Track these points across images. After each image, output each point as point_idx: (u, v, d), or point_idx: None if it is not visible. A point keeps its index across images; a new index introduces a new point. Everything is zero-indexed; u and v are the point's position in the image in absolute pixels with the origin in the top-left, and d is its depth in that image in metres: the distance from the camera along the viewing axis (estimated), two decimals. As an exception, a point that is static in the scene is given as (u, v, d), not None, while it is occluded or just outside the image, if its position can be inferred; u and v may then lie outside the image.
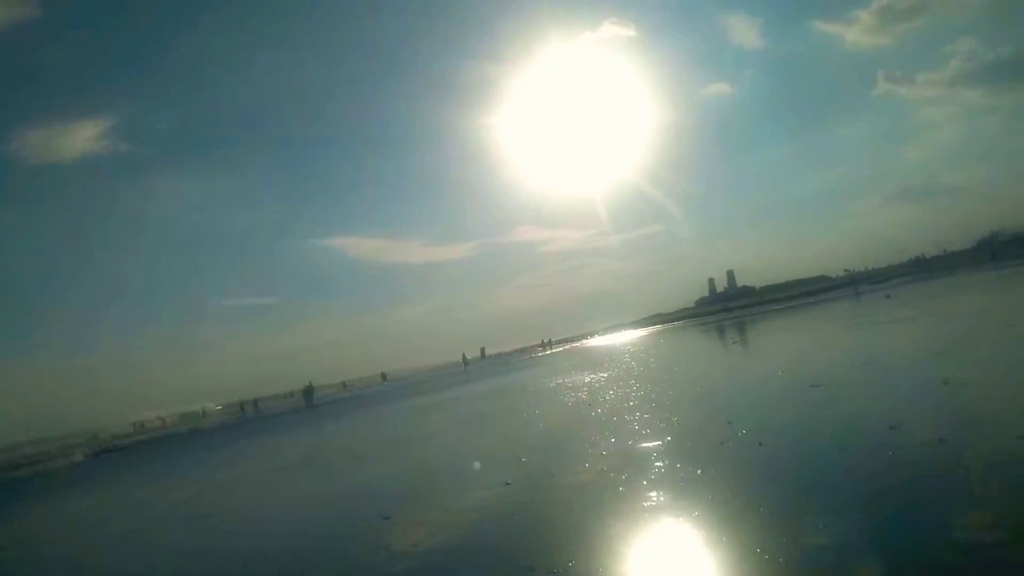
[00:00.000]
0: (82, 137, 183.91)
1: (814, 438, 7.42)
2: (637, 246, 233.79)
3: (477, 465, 9.54)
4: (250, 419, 49.53)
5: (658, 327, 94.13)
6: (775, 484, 5.89)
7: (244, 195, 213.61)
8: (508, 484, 7.83)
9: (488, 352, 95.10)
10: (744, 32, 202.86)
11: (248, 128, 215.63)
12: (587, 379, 20.82)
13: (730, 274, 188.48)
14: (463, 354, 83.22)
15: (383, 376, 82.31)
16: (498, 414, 16.74)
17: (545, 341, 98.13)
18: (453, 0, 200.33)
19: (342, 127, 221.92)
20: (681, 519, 5.38)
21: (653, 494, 6.25)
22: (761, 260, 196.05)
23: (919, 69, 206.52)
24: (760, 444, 7.34)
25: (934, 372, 9.54)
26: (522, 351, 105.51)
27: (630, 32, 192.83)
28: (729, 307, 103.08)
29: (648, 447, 8.30)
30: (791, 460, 6.69)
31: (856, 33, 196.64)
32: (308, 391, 56.42)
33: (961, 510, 4.38)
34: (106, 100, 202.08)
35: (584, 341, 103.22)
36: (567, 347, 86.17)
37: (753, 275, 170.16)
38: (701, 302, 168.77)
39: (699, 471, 6.73)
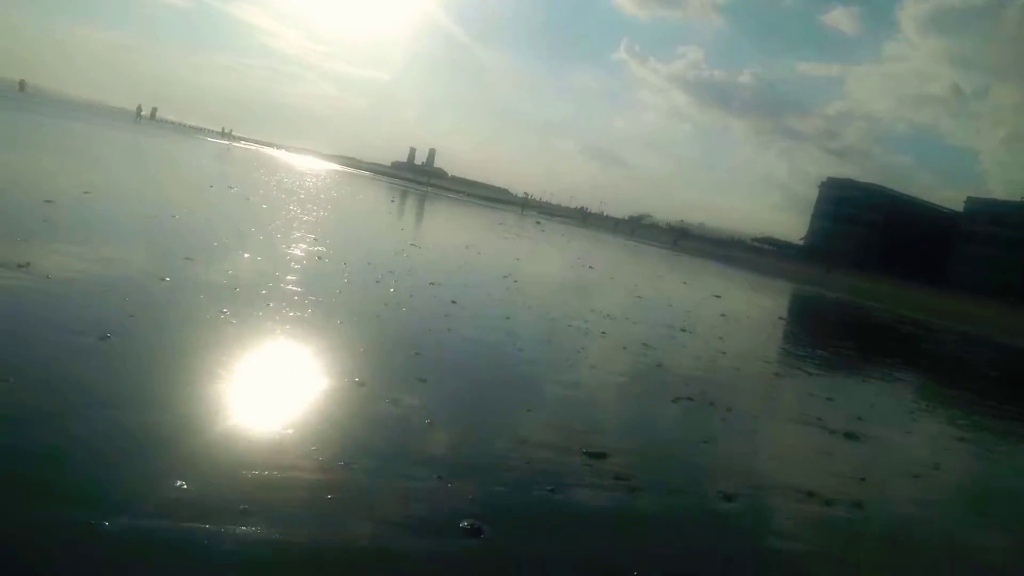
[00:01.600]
0: None
1: (375, 268, 8.86)
2: (359, 84, 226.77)
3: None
4: None
5: (348, 171, 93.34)
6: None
7: None
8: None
9: (161, 116, 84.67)
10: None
11: None
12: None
13: (432, 152, 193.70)
14: (139, 105, 72.77)
15: (21, 84, 67.63)
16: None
17: (225, 130, 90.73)
18: None
19: None
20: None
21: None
22: (462, 151, 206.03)
23: (653, 54, 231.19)
24: (344, 263, 8.52)
25: (508, 268, 11.86)
26: (199, 129, 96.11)
27: None
28: (419, 180, 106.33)
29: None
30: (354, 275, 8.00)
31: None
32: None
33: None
34: None
35: (269, 149, 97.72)
36: (252, 148, 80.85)
37: (451, 162, 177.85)
38: (397, 165, 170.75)
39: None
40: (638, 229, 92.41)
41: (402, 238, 13.50)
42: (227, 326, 4.69)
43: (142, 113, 72.45)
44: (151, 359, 3.83)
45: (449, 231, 19.99)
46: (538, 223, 39.27)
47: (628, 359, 6.98)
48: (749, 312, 15.80)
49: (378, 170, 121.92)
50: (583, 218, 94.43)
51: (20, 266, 4.86)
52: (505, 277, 10.52)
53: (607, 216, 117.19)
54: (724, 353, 8.42)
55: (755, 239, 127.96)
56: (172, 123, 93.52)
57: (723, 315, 12.59)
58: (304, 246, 9.14)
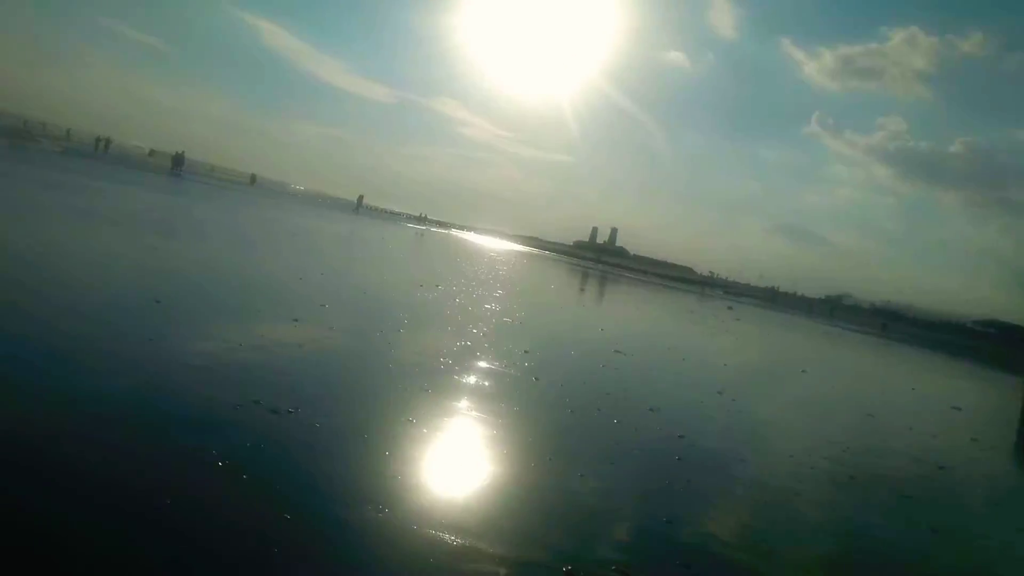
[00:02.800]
0: None
1: (585, 387, 7.98)
2: (543, 167, 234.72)
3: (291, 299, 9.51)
4: (106, 160, 45.73)
5: (532, 250, 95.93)
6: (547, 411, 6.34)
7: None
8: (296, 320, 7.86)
9: (367, 203, 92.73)
10: (722, 17, 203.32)
11: None
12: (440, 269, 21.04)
13: (613, 231, 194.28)
14: (360, 196, 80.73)
15: (252, 178, 77.90)
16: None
17: (422, 215, 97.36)
18: None
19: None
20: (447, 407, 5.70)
21: (425, 382, 6.57)
22: (645, 229, 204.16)
23: (848, 127, 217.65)
24: (536, 379, 7.79)
25: (719, 378, 10.54)
26: (398, 214, 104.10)
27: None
28: (603, 260, 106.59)
29: (450, 343, 8.63)
30: (560, 397, 7.20)
31: (814, 68, 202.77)
32: (177, 158, 52.99)
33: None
34: None
35: (460, 231, 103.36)
36: (443, 230, 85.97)
37: (633, 240, 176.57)
38: (579, 245, 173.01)
39: (473, 377, 7.11)
40: (837, 310, 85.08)
41: (603, 339, 12.68)
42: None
43: (363, 203, 79.87)
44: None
45: (645, 325, 18.92)
46: (730, 308, 36.97)
47: (914, 540, 5.39)
48: (1010, 435, 13.00)
49: (560, 249, 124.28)
50: (772, 298, 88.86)
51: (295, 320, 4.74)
52: (720, 393, 9.27)
53: (800, 296, 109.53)
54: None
55: (977, 322, 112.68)
56: (379, 209, 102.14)
57: (974, 439, 10.30)
58: (510, 346, 8.65)
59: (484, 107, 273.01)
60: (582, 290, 26.78)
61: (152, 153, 79.86)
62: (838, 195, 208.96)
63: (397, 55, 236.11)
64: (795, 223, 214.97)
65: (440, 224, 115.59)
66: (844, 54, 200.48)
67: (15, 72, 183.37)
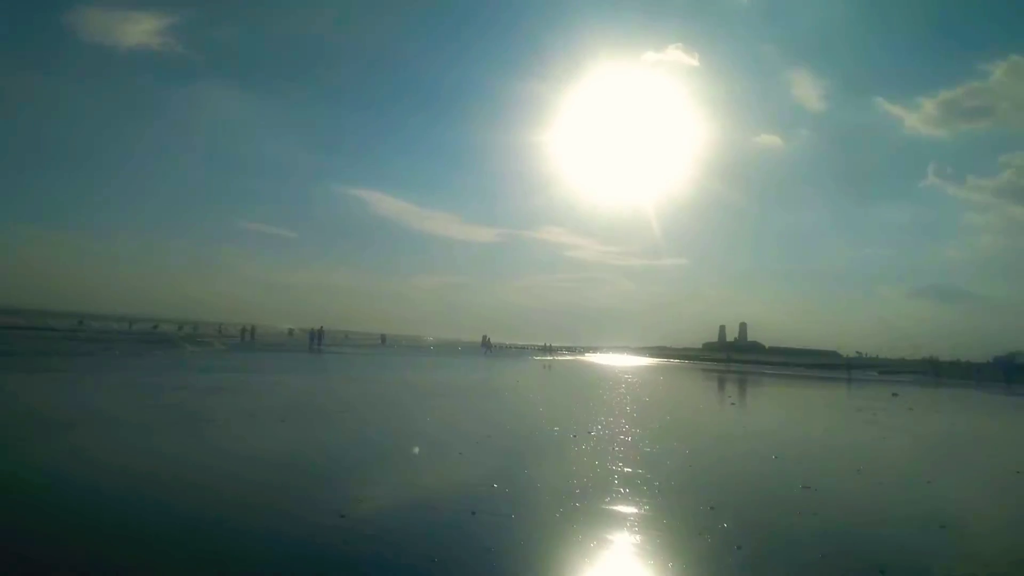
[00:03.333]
0: (141, 28, 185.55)
1: (789, 540, 6.88)
2: (658, 274, 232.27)
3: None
4: (251, 346, 49.63)
5: (661, 361, 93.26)
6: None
7: (286, 125, 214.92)
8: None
9: (492, 340, 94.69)
10: (807, 90, 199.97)
11: (306, 62, 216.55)
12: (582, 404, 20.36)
13: (742, 326, 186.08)
14: (486, 337, 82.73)
15: (383, 339, 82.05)
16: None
17: (547, 345, 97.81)
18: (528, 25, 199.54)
19: (401, 90, 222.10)
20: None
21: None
22: (776, 318, 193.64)
23: (970, 171, 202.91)
24: (738, 547, 6.82)
25: (932, 509, 8.98)
26: (524, 348, 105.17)
27: (693, 62, 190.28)
28: (735, 358, 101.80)
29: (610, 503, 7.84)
30: (773, 568, 6.18)
31: (916, 120, 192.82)
32: (318, 335, 56.91)
33: None
34: None
35: (586, 355, 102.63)
36: (569, 357, 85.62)
37: (765, 332, 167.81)
38: (708, 346, 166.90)
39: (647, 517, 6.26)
40: (1013, 372, 75.26)
41: (781, 470, 11.39)
42: None
43: (491, 345, 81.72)
44: None
45: (814, 441, 17.11)
46: (894, 395, 33.42)
47: None
48: None
49: (691, 355, 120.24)
50: (936, 372, 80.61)
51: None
52: (942, 527, 7.82)
53: (964, 363, 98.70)
54: None
55: None
56: (505, 346, 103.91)
57: None
58: (691, 500, 7.74)
59: (587, 227, 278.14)
60: (731, 403, 25.04)
61: (291, 332, 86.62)
62: (977, 245, 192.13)
63: (496, 196, 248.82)
64: (939, 282, 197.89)
65: (566, 349, 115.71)
66: (945, 99, 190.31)
67: (182, 282, 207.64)
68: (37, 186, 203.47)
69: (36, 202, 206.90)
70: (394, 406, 18.15)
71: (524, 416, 17.14)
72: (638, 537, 6.87)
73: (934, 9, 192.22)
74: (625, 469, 10.28)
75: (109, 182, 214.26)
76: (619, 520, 7.46)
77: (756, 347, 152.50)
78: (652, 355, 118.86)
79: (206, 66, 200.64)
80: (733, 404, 24.37)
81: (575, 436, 13.34)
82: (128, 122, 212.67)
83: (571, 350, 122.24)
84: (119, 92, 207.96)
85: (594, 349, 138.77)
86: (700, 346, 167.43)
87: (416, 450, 11.29)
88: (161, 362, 29.13)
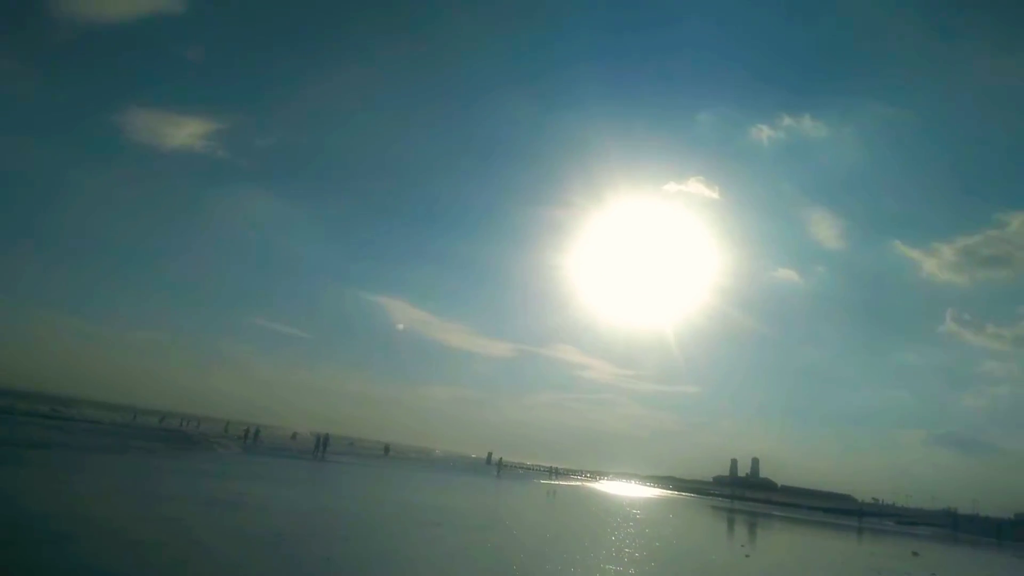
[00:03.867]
0: (187, 132, 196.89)
1: None
2: (670, 401, 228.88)
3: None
4: (255, 449, 48.80)
5: (669, 493, 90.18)
6: None
7: (315, 227, 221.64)
8: None
9: (498, 457, 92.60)
10: (825, 229, 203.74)
11: (341, 172, 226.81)
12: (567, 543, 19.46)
13: (755, 461, 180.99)
14: (496, 457, 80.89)
15: (386, 449, 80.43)
16: None
17: (553, 468, 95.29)
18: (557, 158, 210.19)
19: (430, 206, 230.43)
20: None
21: None
22: (789, 455, 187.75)
23: (990, 319, 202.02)
24: None
25: None
26: (530, 468, 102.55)
27: (714, 194, 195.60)
28: (746, 496, 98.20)
29: None
30: None
31: (934, 265, 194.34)
32: (323, 441, 56.24)
33: None
34: (221, 104, 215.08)
35: (593, 480, 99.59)
36: (574, 482, 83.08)
37: (777, 469, 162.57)
38: (719, 480, 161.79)
39: None
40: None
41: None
42: None
43: (502, 464, 80.00)
44: None
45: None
46: (915, 554, 31.69)
47: None
48: None
49: (700, 488, 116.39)
50: (954, 525, 77.30)
51: None
52: None
53: (984, 517, 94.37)
54: None
55: None
56: (511, 465, 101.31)
57: None
58: None
59: (601, 348, 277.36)
60: (745, 555, 23.84)
61: (294, 436, 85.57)
62: (998, 395, 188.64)
63: (513, 312, 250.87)
64: (959, 432, 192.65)
65: (573, 473, 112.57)
66: (963, 246, 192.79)
67: (187, 377, 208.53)
68: (66, 275, 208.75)
69: (63, 290, 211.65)
70: (387, 536, 17.54)
71: (522, 563, 16.41)
72: None
73: (951, 157, 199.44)
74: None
75: (133, 273, 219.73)
76: None
77: (768, 484, 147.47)
78: (660, 485, 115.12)
79: (245, 169, 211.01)
80: (748, 556, 23.19)
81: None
82: (165, 218, 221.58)
83: (578, 474, 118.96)
84: (159, 189, 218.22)
85: (601, 475, 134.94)
86: (710, 479, 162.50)
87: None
88: (174, 464, 28.67)
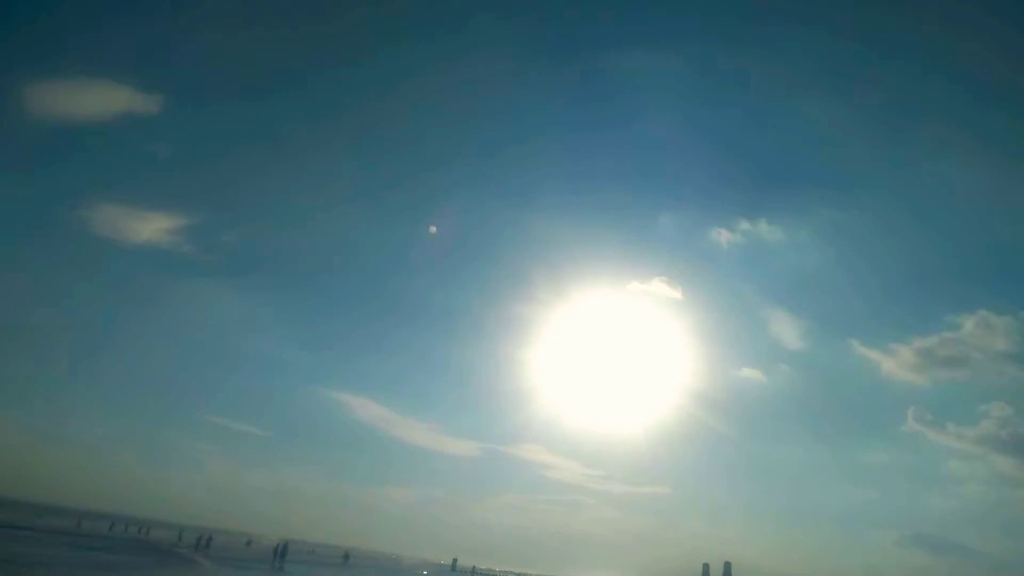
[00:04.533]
0: (153, 227, 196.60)
1: None
2: (640, 502, 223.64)
3: None
4: (211, 556, 46.72)
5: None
6: None
7: (279, 324, 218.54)
8: None
9: (460, 563, 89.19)
10: (785, 329, 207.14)
11: (303, 269, 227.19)
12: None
13: (727, 565, 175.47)
14: (462, 564, 78.23)
15: (346, 556, 77.09)
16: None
17: (523, 574, 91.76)
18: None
19: (391, 302, 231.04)
20: None
21: None
22: (762, 558, 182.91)
23: (951, 418, 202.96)
24: None
25: None
26: (499, 575, 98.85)
27: (676, 295, 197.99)
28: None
29: None
30: None
31: (893, 365, 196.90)
32: (281, 550, 54.02)
33: None
34: (188, 202, 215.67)
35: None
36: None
37: (750, 573, 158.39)
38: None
39: None
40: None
41: None
42: None
43: (458, 567, 77.32)
44: None
45: None
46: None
47: None
48: None
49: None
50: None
51: None
52: None
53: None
54: None
55: None
56: (475, 570, 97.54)
57: None
58: None
59: (568, 447, 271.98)
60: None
61: (249, 543, 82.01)
62: (965, 494, 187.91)
63: (478, 410, 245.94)
64: (929, 532, 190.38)
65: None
66: (920, 347, 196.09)
67: (137, 477, 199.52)
68: (16, 367, 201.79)
69: (7, 382, 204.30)
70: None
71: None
72: None
73: (903, 260, 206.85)
74: None
75: (89, 367, 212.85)
76: None
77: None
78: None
79: (209, 265, 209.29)
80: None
81: None
82: (122, 312, 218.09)
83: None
84: (122, 283, 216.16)
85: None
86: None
87: None
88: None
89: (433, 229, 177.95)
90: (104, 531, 67.35)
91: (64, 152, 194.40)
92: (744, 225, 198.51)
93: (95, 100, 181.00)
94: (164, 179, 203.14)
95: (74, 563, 29.99)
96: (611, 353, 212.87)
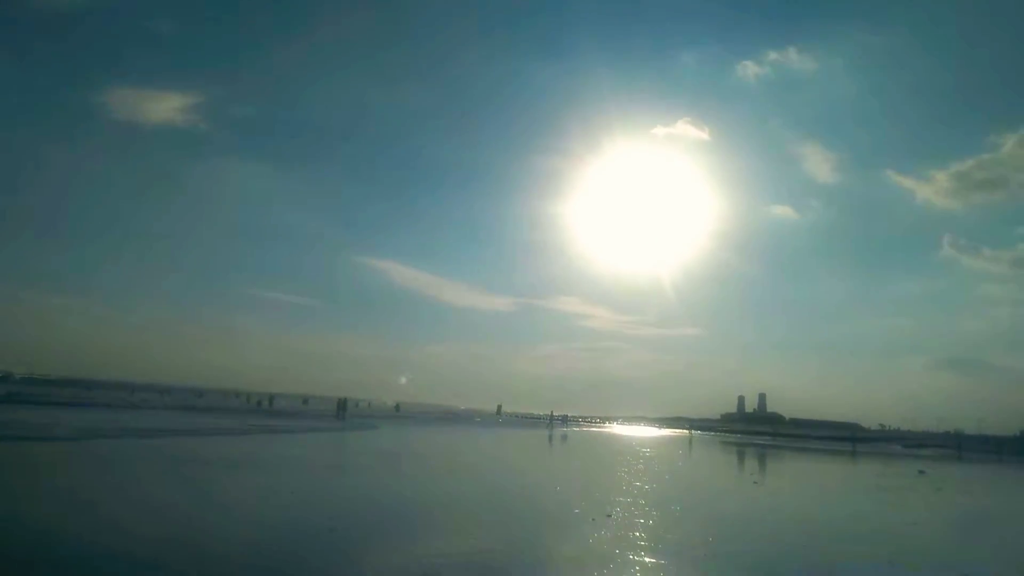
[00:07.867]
0: (167, 106, 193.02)
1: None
2: (674, 344, 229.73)
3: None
4: (273, 414, 49.25)
5: (679, 432, 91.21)
6: None
7: (305, 198, 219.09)
8: None
9: (506, 411, 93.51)
10: (818, 164, 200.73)
11: (326, 139, 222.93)
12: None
13: (761, 397, 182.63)
14: (499, 406, 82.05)
15: (397, 407, 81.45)
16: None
17: (561, 415, 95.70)
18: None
19: (420, 166, 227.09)
20: None
21: None
22: (795, 389, 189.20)
23: (986, 243, 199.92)
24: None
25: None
26: (539, 417, 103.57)
27: (704, 135, 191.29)
28: (754, 431, 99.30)
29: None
30: None
31: (929, 192, 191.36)
32: (342, 405, 56.68)
33: None
34: (199, 78, 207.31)
35: (603, 425, 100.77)
36: (585, 428, 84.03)
37: (784, 403, 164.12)
38: (727, 417, 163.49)
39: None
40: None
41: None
42: None
43: (502, 411, 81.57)
44: None
45: (841, 519, 16.36)
46: (921, 472, 31.99)
47: None
48: None
49: (709, 426, 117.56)
50: (958, 445, 78.27)
51: None
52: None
53: (987, 437, 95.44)
54: None
55: None
56: (518, 415, 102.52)
57: None
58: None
59: (600, 295, 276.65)
60: (754, 482, 24.10)
61: (306, 401, 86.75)
62: (997, 316, 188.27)
63: (513, 266, 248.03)
64: (960, 355, 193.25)
65: (582, 419, 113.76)
66: (957, 171, 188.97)
67: (200, 349, 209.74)
68: (59, 256, 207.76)
69: (57, 272, 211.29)
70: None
71: (548, 494, 16.60)
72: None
73: (941, 83, 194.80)
74: (646, 559, 9.74)
75: (130, 252, 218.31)
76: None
77: (776, 419, 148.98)
78: (669, 426, 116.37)
79: (228, 142, 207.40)
80: (756, 483, 23.44)
81: (594, 520, 12.76)
82: (151, 195, 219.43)
83: (587, 420, 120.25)
84: (143, 166, 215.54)
85: (610, 419, 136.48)
86: (718, 416, 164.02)
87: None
88: (316, 436, 28.81)
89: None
90: (164, 401, 70.79)
91: (67, 36, 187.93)
92: (772, 56, 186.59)
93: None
94: (170, 56, 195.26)
95: (221, 431, 30.89)
96: (639, 200, 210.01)
